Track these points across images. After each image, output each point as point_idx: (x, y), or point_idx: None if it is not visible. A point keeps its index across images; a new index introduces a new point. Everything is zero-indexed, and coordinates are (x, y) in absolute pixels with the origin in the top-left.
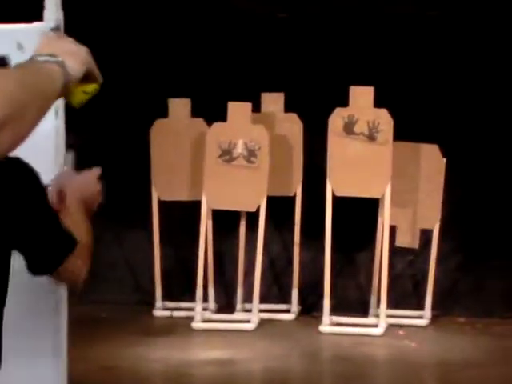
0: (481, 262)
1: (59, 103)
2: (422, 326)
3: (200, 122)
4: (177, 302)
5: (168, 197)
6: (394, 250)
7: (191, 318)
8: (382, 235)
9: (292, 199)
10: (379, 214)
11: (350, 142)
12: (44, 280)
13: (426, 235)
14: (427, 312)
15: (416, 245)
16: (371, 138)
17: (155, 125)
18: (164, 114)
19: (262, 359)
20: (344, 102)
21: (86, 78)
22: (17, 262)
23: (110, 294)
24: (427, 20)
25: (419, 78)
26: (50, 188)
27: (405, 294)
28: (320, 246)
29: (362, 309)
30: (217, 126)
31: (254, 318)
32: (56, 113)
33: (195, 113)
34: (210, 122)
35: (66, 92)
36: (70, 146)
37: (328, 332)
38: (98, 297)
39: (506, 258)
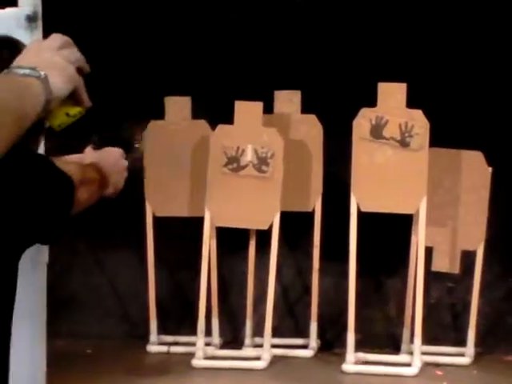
0: None
1: None
2: (463, 365)
3: (202, 123)
4: (175, 335)
5: (164, 212)
6: (431, 276)
7: (191, 355)
8: (416, 258)
9: (310, 215)
10: (413, 233)
11: (379, 148)
12: (17, 308)
13: (468, 258)
14: (469, 349)
15: (456, 269)
16: (403, 143)
17: (149, 127)
18: (160, 114)
19: None
20: (371, 102)
21: (71, 98)
22: None
23: (95, 325)
24: (472, 4)
25: (460, 74)
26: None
27: (443, 328)
28: (343, 271)
29: (392, 344)
30: (222, 128)
31: (266, 354)
32: None
33: (196, 113)
34: (213, 125)
35: (46, 111)
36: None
37: (352, 372)
38: (79, 329)
39: None
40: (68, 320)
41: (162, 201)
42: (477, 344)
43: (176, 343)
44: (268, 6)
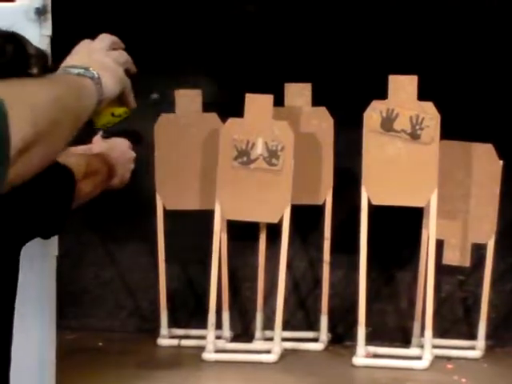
0: None
1: None
2: (473, 358)
3: (213, 117)
4: (185, 328)
5: (175, 206)
6: (441, 269)
7: (202, 348)
8: (427, 251)
9: (321, 208)
10: (423, 226)
11: (389, 140)
12: (27, 301)
13: (478, 251)
14: (480, 342)
15: (467, 263)
16: (414, 136)
17: (160, 120)
18: (170, 107)
19: None
20: (382, 94)
21: (118, 99)
22: None
23: (106, 319)
24: None
25: (471, 66)
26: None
27: (454, 321)
28: (353, 264)
29: (402, 338)
30: (232, 122)
31: (276, 347)
32: None
33: (207, 106)
34: (224, 118)
35: (94, 111)
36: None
37: (363, 365)
38: (90, 322)
39: None
40: (79, 313)
41: (172, 194)
42: (488, 337)
43: (187, 336)
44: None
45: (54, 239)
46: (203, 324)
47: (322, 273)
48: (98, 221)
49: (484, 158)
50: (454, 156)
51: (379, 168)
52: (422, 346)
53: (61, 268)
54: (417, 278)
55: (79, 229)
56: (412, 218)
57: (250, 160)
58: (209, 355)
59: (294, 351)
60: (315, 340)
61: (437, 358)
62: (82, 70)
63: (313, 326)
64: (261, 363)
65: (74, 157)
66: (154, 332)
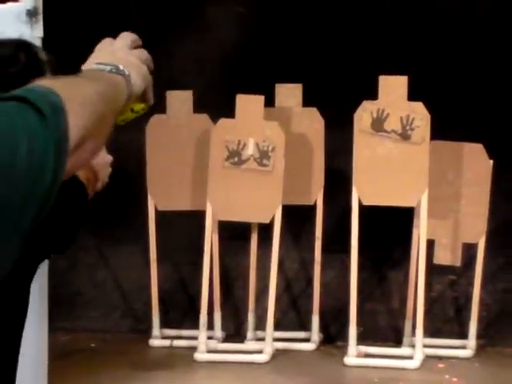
0: None
1: None
2: (465, 357)
3: (204, 117)
4: (177, 329)
5: (166, 206)
6: (432, 269)
7: (194, 348)
8: (418, 251)
9: (312, 209)
10: (414, 226)
11: (380, 141)
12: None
13: (469, 251)
14: (471, 341)
15: (458, 262)
16: (404, 136)
17: (151, 121)
18: (162, 108)
19: None
20: (372, 94)
21: (139, 96)
22: None
23: (99, 320)
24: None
25: (461, 66)
26: None
27: (445, 320)
28: (344, 264)
29: (394, 337)
30: (223, 122)
31: (268, 348)
32: None
33: (198, 107)
34: (215, 118)
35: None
36: None
37: (354, 364)
38: (83, 324)
39: None
40: (72, 314)
41: (164, 195)
42: (479, 336)
43: (179, 337)
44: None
45: None
46: (195, 324)
47: (314, 273)
48: (91, 222)
49: (474, 158)
50: (445, 156)
51: (370, 168)
52: (413, 346)
53: (54, 270)
54: (408, 278)
55: None
56: (403, 217)
57: (241, 160)
58: (201, 355)
59: (286, 351)
60: (307, 340)
61: (428, 357)
62: (113, 68)
63: (305, 326)
64: (253, 363)
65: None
66: (147, 333)
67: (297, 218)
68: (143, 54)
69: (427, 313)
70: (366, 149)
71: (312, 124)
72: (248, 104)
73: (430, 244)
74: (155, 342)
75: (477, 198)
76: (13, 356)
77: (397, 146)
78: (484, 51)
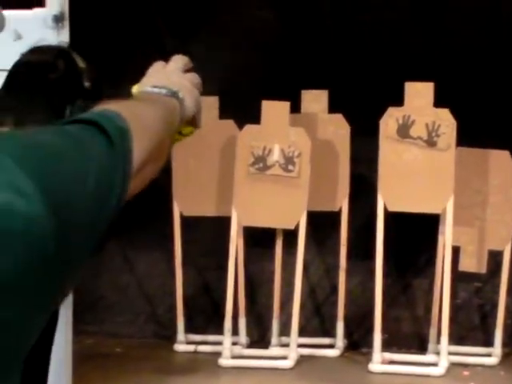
0: None
1: None
2: (490, 365)
3: (229, 123)
4: (202, 334)
5: (192, 212)
6: (458, 276)
7: (218, 354)
8: (443, 258)
9: (337, 215)
10: (440, 233)
11: (406, 147)
12: None
13: (495, 258)
14: (497, 349)
15: (483, 269)
16: (430, 142)
17: None
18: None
19: None
20: (398, 101)
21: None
22: None
23: (124, 325)
24: (499, 2)
25: (487, 73)
26: None
27: (470, 328)
28: (370, 271)
29: (419, 344)
30: (249, 128)
31: (292, 353)
32: None
33: (224, 113)
34: (241, 124)
35: None
36: None
37: (379, 371)
38: (108, 328)
39: None
40: (97, 319)
41: (189, 200)
42: (504, 344)
43: (203, 342)
44: (295, 4)
45: None
46: (220, 330)
47: (339, 279)
48: (116, 227)
49: (500, 165)
50: (471, 163)
51: (395, 175)
52: (438, 353)
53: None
54: (433, 285)
55: None
56: (428, 224)
57: (266, 166)
58: (225, 361)
59: (310, 357)
60: (331, 346)
61: (453, 364)
62: (169, 91)
63: (329, 332)
64: (277, 369)
65: None
66: (171, 338)
67: (322, 224)
68: (195, 77)
69: (452, 320)
70: (392, 155)
71: (337, 130)
72: (274, 110)
73: (456, 251)
74: (180, 348)
75: (503, 205)
76: (44, 363)
77: (422, 152)
78: (510, 57)
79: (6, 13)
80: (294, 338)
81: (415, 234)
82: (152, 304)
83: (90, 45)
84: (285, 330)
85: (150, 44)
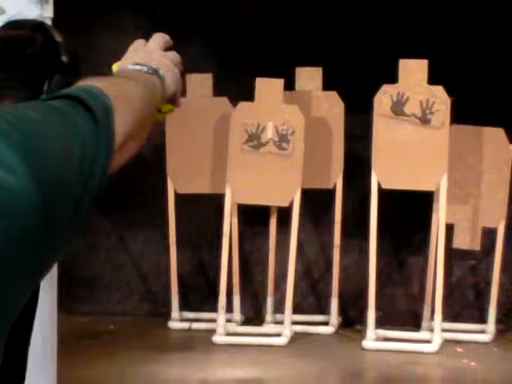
0: None
1: None
2: (483, 342)
3: (223, 101)
4: (196, 312)
5: (186, 189)
6: (452, 254)
7: (213, 331)
8: (437, 235)
9: (331, 192)
10: (433, 211)
11: (399, 124)
12: None
13: (489, 236)
14: (490, 326)
15: (477, 247)
16: (424, 120)
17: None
18: (181, 91)
19: (295, 380)
20: (392, 78)
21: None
22: None
23: (118, 303)
24: None
25: (481, 50)
26: None
27: (464, 305)
28: (365, 249)
29: (412, 322)
30: (243, 106)
31: (286, 331)
32: None
33: (218, 90)
34: (234, 102)
35: None
36: None
37: (373, 348)
38: (102, 307)
39: None
40: (92, 298)
41: (183, 178)
42: (498, 321)
43: (198, 320)
44: None
45: None
46: (214, 308)
47: (333, 257)
48: (110, 206)
49: (495, 143)
50: (465, 140)
51: (389, 152)
52: (431, 330)
53: (74, 253)
54: (427, 263)
55: (92, 215)
56: (422, 202)
57: (260, 144)
58: (219, 338)
59: (305, 335)
60: (326, 323)
61: (446, 341)
62: (150, 69)
63: (323, 309)
64: (271, 346)
65: None
66: (166, 315)
67: (316, 202)
68: (175, 56)
69: (447, 297)
70: (386, 132)
71: (332, 108)
72: (268, 87)
73: (450, 228)
74: (174, 325)
75: (497, 182)
76: (23, 343)
77: (416, 129)
78: (505, 35)
79: None
80: (288, 315)
81: (410, 212)
82: (146, 282)
83: (74, 20)
84: (280, 308)
85: (142, 18)
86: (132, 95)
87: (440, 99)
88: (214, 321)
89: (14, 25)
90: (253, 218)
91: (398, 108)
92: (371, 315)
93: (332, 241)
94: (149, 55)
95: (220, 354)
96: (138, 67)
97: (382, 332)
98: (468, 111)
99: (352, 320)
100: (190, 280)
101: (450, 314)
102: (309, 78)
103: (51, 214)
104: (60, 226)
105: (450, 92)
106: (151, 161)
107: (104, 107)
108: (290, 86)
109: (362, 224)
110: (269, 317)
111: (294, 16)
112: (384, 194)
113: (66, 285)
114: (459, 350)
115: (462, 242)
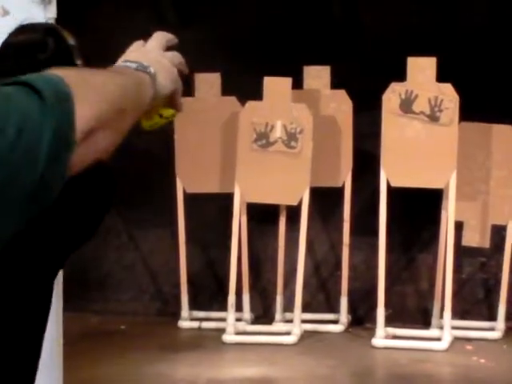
0: None
1: None
2: (493, 339)
3: (232, 100)
4: (206, 311)
5: (195, 189)
6: (461, 251)
7: (222, 330)
8: (447, 233)
9: (340, 191)
10: (443, 208)
11: (408, 122)
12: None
13: (499, 233)
14: (500, 323)
15: (487, 244)
16: (433, 117)
17: None
18: (190, 91)
19: (305, 378)
20: (401, 76)
21: (167, 101)
22: None
23: (128, 303)
24: None
25: (489, 48)
26: None
27: (473, 302)
28: (374, 247)
29: (422, 319)
30: (251, 105)
31: (296, 329)
32: None
33: (226, 90)
34: (243, 101)
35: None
36: None
37: (382, 346)
38: (113, 306)
39: None
40: (102, 297)
41: (192, 177)
42: (507, 318)
43: (207, 319)
44: None
45: None
46: (224, 306)
47: (342, 255)
48: (120, 205)
49: (503, 139)
50: (474, 138)
51: (398, 150)
52: (441, 328)
53: (84, 253)
54: (436, 260)
55: None
56: (431, 199)
57: (268, 143)
58: (229, 337)
59: (314, 333)
60: (335, 322)
61: (456, 339)
62: (139, 65)
63: (333, 307)
64: (281, 345)
65: None
66: (176, 315)
67: (325, 200)
68: (176, 57)
69: (456, 295)
70: (395, 130)
71: (340, 106)
72: (276, 86)
73: (459, 226)
74: (184, 324)
75: (506, 179)
76: (35, 347)
77: (425, 127)
78: None
79: None
80: (298, 313)
81: (419, 210)
82: (157, 281)
83: (77, 21)
84: (289, 306)
85: (151, 17)
86: (105, 85)
87: (448, 97)
88: (223, 320)
89: (25, 29)
90: (262, 216)
91: (406, 106)
92: (381, 313)
93: (341, 239)
94: (145, 55)
95: (230, 353)
96: (127, 64)
97: (392, 330)
98: (476, 108)
99: (361, 318)
100: (200, 279)
101: (460, 312)
102: (317, 76)
103: None
104: None
105: (458, 90)
106: (161, 160)
107: (57, 91)
108: (298, 84)
109: (371, 222)
110: (278, 315)
111: (301, 15)
112: (393, 191)
113: (76, 284)
114: (469, 347)
115: (471, 239)
